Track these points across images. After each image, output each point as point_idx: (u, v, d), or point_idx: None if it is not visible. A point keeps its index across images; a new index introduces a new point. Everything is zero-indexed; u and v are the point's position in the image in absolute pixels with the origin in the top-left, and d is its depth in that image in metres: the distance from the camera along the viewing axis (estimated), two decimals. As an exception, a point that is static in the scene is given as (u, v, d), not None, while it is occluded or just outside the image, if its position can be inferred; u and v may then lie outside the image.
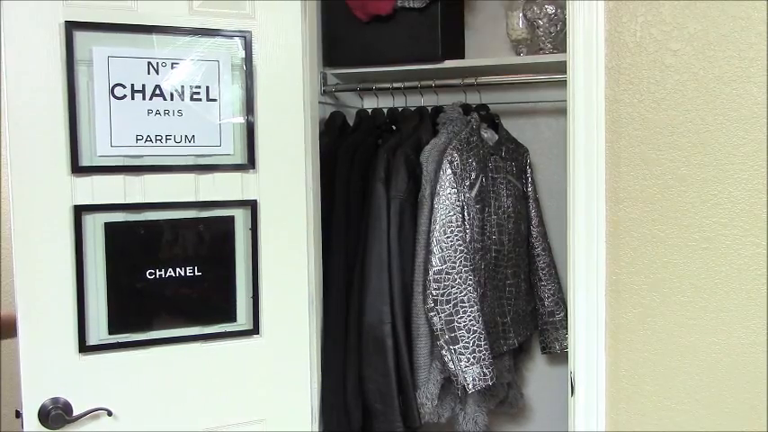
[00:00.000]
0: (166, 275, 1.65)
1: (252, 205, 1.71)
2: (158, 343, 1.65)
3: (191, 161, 1.66)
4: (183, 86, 1.63)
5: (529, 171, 2.34)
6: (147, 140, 1.61)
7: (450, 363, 1.91)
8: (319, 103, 2.13)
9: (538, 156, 2.45)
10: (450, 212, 1.92)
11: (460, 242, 1.93)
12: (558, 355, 2.37)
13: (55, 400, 1.55)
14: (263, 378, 1.75)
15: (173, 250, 1.67)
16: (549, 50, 2.20)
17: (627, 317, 1.49)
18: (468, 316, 1.92)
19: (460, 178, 1.96)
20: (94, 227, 1.59)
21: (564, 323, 2.30)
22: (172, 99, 1.63)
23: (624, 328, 1.50)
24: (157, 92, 1.61)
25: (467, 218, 1.97)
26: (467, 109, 2.16)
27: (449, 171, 1.93)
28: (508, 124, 2.32)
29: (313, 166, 1.81)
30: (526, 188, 2.33)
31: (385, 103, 2.35)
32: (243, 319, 1.73)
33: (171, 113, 1.63)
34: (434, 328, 1.92)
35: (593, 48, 1.47)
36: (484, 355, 1.93)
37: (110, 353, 1.61)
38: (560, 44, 2.13)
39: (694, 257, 1.43)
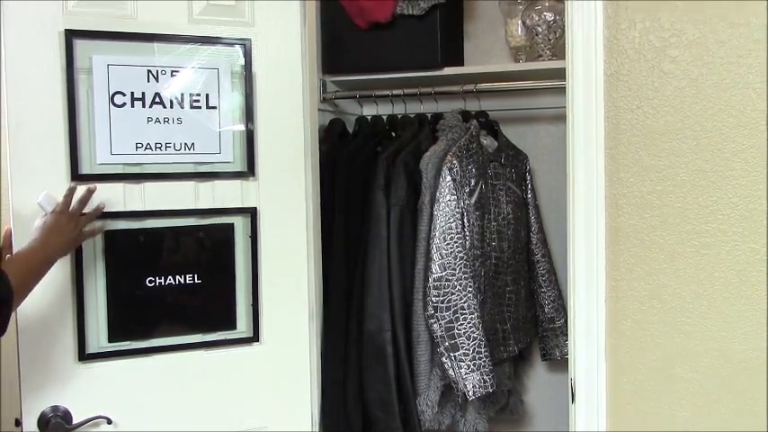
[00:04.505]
0: (166, 283, 1.65)
1: (251, 213, 1.71)
2: (158, 351, 1.65)
3: (190, 169, 1.66)
4: (182, 94, 1.64)
5: (528, 178, 2.34)
6: (146, 148, 1.61)
7: (451, 370, 1.91)
8: (319, 110, 2.13)
9: (537, 162, 2.45)
10: (449, 219, 1.92)
11: (460, 249, 1.92)
12: (559, 362, 2.37)
13: (55, 409, 1.54)
14: (263, 385, 1.74)
15: (172, 258, 1.67)
16: (548, 57, 2.20)
17: (627, 323, 1.49)
18: (469, 323, 1.92)
19: (460, 185, 1.96)
20: (94, 234, 1.58)
21: (564, 330, 2.29)
22: (172, 107, 1.63)
23: (624, 335, 1.49)
24: (157, 100, 1.62)
25: (466, 225, 1.97)
26: (466, 116, 2.16)
27: (448, 178, 1.93)
28: (508, 131, 2.32)
29: (313, 174, 1.81)
30: (526, 195, 2.33)
31: (384, 110, 2.35)
32: (243, 326, 1.73)
33: (171, 121, 1.63)
34: (434, 335, 1.92)
35: (592, 54, 1.47)
36: (484, 362, 1.93)
37: (110, 361, 1.60)
38: (559, 51, 2.14)
39: (694, 264, 1.43)
